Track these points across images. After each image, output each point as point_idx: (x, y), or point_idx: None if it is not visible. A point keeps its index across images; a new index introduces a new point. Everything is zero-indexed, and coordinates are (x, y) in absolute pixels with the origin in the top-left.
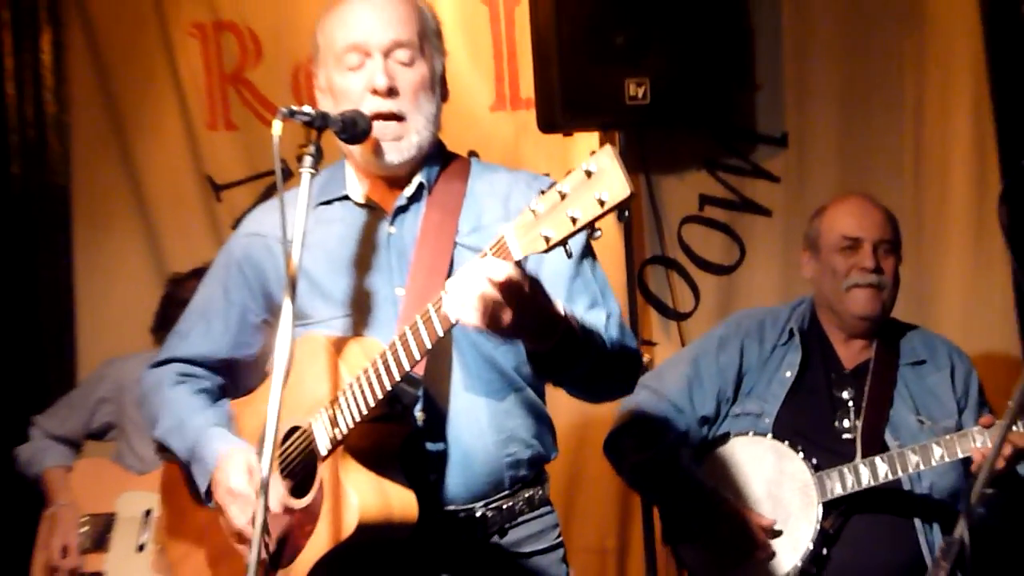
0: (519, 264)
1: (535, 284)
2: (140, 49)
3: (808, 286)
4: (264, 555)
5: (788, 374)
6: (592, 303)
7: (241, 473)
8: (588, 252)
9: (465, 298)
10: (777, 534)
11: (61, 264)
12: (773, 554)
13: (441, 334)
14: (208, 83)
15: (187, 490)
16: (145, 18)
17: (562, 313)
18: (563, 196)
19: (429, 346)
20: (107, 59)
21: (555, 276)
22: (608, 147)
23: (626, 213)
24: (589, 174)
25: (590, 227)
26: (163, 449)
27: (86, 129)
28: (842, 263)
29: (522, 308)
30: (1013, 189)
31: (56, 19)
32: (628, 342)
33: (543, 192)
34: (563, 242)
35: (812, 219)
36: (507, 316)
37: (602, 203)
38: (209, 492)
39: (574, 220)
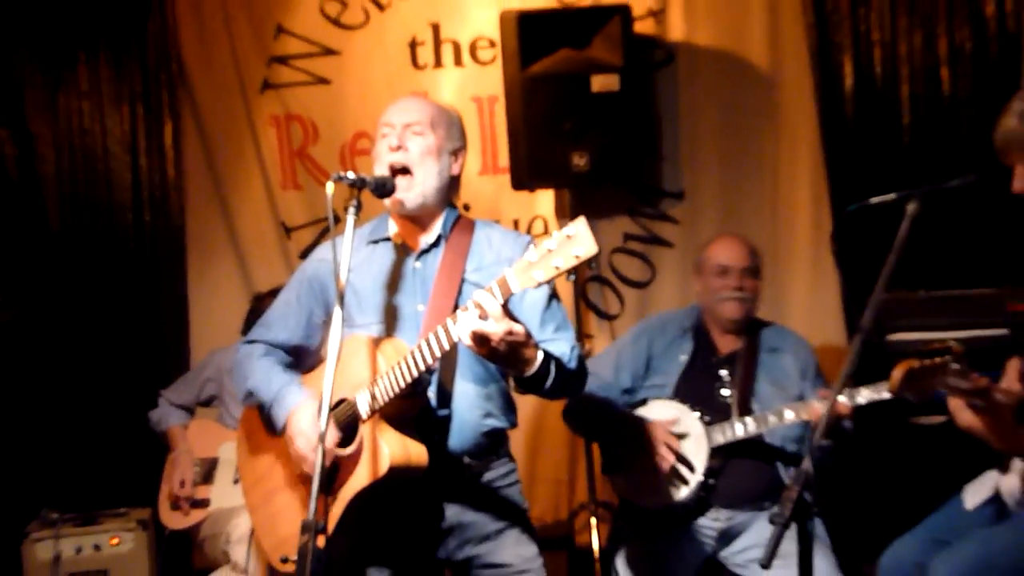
0: (505, 305)
1: (515, 332)
2: (234, 133)
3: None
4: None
5: (683, 358)
6: (556, 328)
7: (308, 417)
8: (554, 293)
9: (464, 329)
10: (682, 436)
11: (178, 284)
12: (678, 478)
13: (448, 348)
14: (281, 157)
15: (260, 434)
16: (237, 112)
17: (538, 357)
18: (550, 251)
19: (442, 352)
20: (210, 140)
21: (533, 307)
22: (582, 218)
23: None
24: (569, 237)
25: (567, 273)
26: (250, 396)
27: (196, 189)
28: (718, 283)
29: (503, 348)
30: (840, 230)
31: (175, 113)
32: (581, 368)
33: (535, 247)
34: (548, 282)
35: (700, 252)
36: (486, 350)
37: (577, 257)
38: (283, 429)
39: (557, 268)
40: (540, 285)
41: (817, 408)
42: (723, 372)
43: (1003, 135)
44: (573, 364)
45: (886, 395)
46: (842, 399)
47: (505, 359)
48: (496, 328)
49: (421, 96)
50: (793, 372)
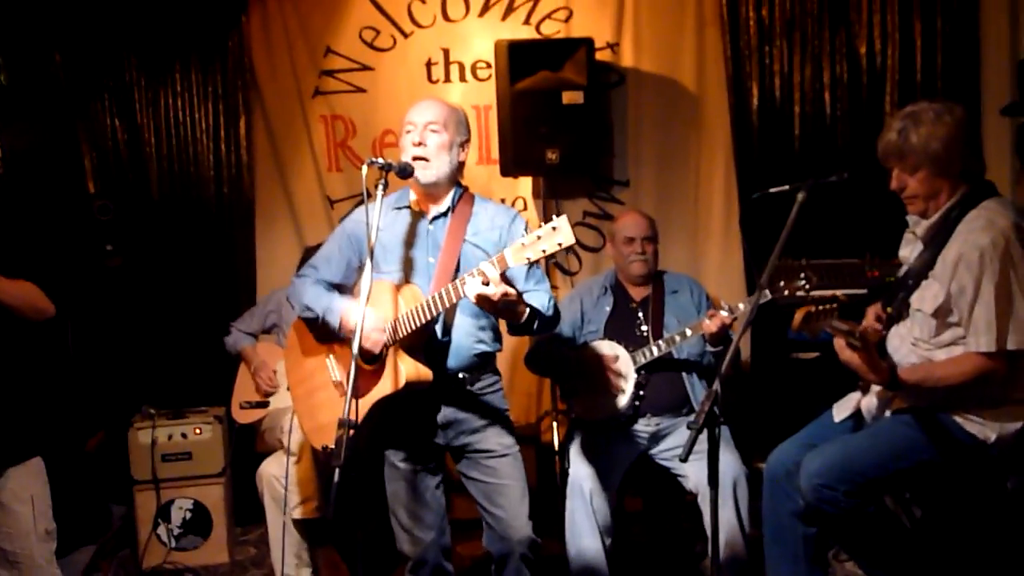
0: (503, 274)
1: (509, 294)
2: (292, 128)
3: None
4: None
5: (607, 308)
6: (536, 282)
7: (357, 311)
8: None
9: (471, 291)
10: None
11: (248, 240)
12: (616, 392)
13: (456, 301)
14: (327, 147)
15: (306, 343)
16: (295, 112)
17: (526, 312)
18: (539, 238)
19: (450, 304)
20: (274, 132)
21: (520, 270)
22: (565, 216)
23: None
24: (554, 229)
25: (551, 256)
26: (307, 310)
27: (262, 169)
28: (626, 249)
29: (500, 304)
30: (745, 213)
31: (248, 110)
32: (555, 313)
33: (528, 234)
34: (536, 262)
35: (612, 225)
36: (487, 305)
37: (559, 245)
38: (339, 326)
39: (543, 251)
40: (529, 264)
41: (707, 324)
42: (639, 314)
43: (884, 146)
44: (550, 312)
45: (742, 306)
46: (723, 313)
47: (501, 313)
48: (495, 291)
49: (436, 100)
50: (690, 305)
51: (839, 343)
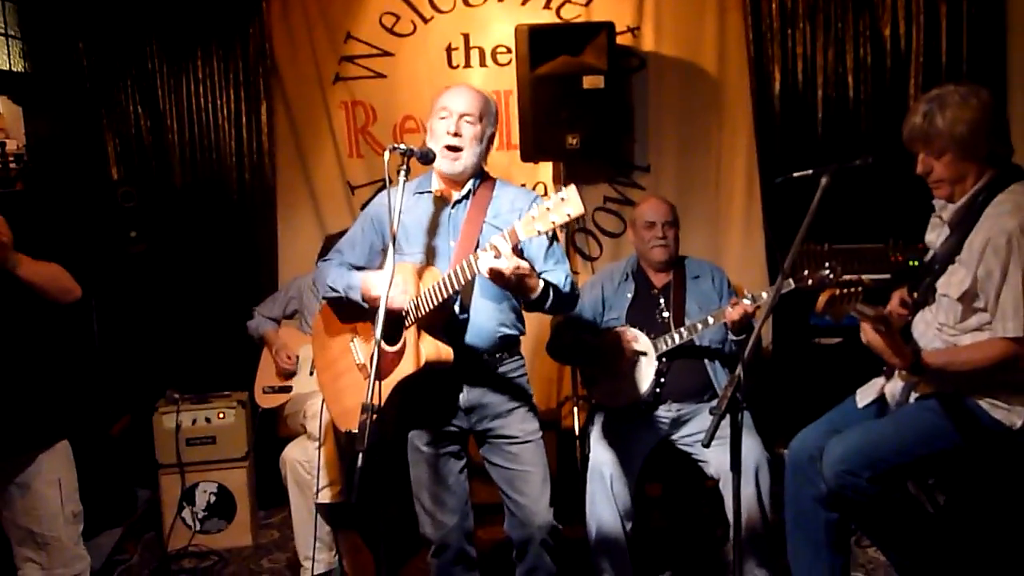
0: (515, 247)
1: (522, 267)
2: (313, 114)
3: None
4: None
5: (629, 295)
6: (556, 262)
7: (377, 278)
8: (555, 237)
9: (483, 265)
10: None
11: (270, 227)
12: (638, 378)
13: (470, 278)
14: (348, 133)
15: (332, 327)
16: (315, 98)
17: (539, 285)
18: (548, 209)
19: (466, 281)
20: (295, 119)
21: (539, 247)
22: (573, 185)
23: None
24: (563, 199)
25: (560, 226)
26: (331, 290)
27: (284, 156)
28: (647, 234)
29: (513, 278)
30: (767, 198)
31: (269, 97)
32: (573, 292)
33: (538, 205)
34: (546, 232)
35: (633, 211)
36: (501, 280)
37: (568, 215)
38: (363, 297)
39: (553, 222)
40: (540, 234)
41: (729, 312)
42: (661, 300)
43: (910, 130)
44: (567, 288)
45: (765, 294)
46: (745, 301)
47: (514, 287)
48: (507, 264)
49: (472, 88)
50: (711, 292)
51: (864, 326)
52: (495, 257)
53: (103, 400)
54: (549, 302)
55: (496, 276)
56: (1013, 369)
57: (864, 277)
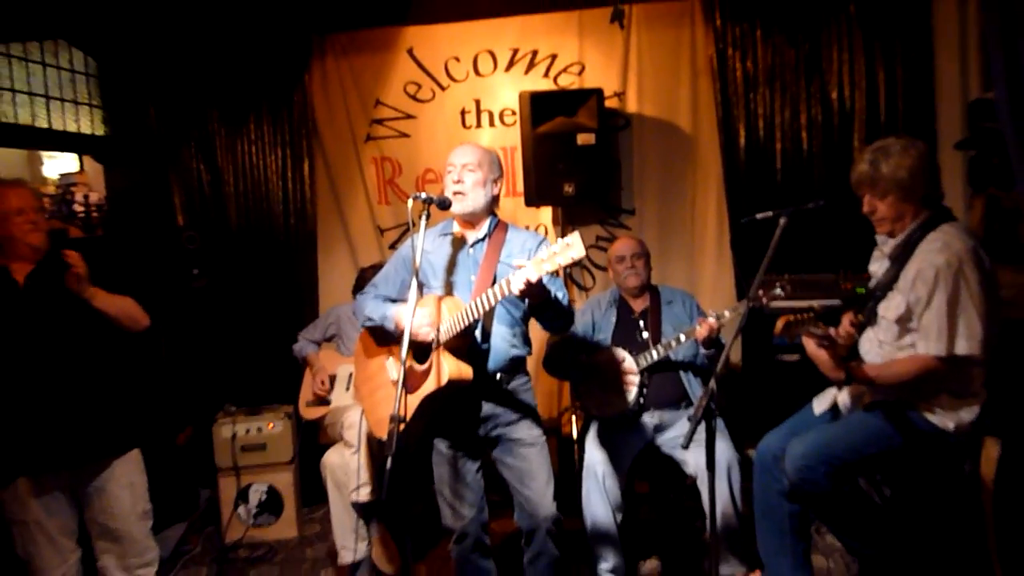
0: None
1: (540, 282)
2: (348, 168)
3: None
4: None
5: (613, 319)
6: (557, 288)
7: (406, 314)
8: (556, 271)
9: (516, 285)
10: (622, 363)
11: (311, 264)
12: (624, 391)
13: (493, 305)
14: (378, 184)
15: (370, 350)
16: (350, 154)
17: (551, 294)
18: (555, 253)
19: (489, 308)
20: (333, 172)
21: (547, 278)
22: (577, 232)
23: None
24: (568, 244)
25: (565, 268)
26: (368, 320)
27: (323, 204)
28: (620, 267)
29: (535, 291)
30: (735, 235)
31: (311, 154)
32: (570, 307)
33: (547, 249)
34: (553, 273)
35: (607, 252)
36: (528, 294)
37: (572, 259)
38: (395, 326)
39: (559, 264)
40: (548, 274)
41: (699, 330)
42: (640, 323)
43: (858, 175)
44: (565, 303)
45: (728, 313)
46: (711, 320)
47: (535, 295)
48: (534, 275)
49: (473, 144)
50: (683, 314)
51: (808, 342)
52: (525, 279)
53: (170, 413)
54: (553, 305)
55: (526, 289)
56: (930, 381)
57: (815, 303)
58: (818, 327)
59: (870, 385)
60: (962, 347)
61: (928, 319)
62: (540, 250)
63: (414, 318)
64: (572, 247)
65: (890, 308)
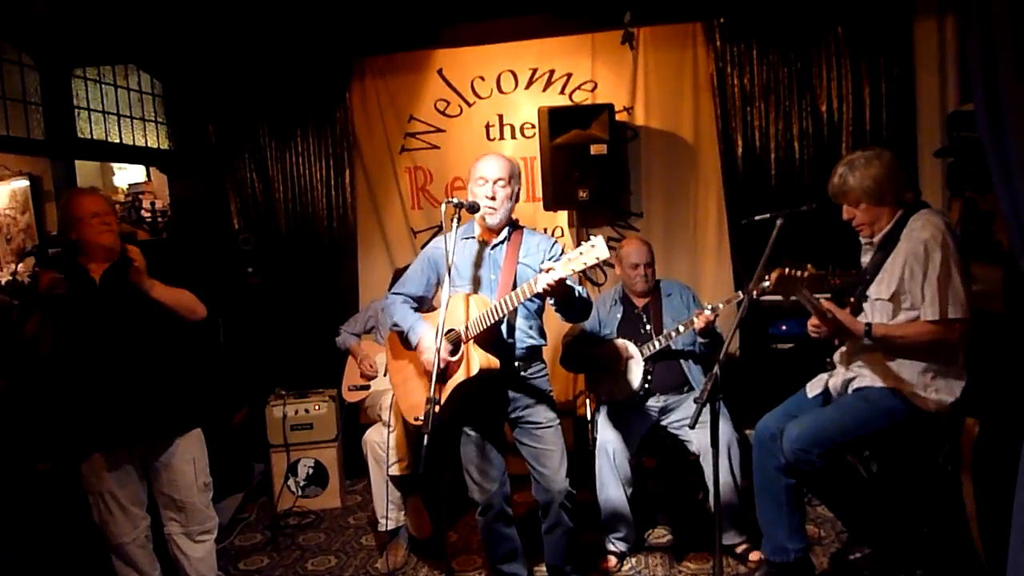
0: (562, 277)
1: (564, 281)
2: (384, 177)
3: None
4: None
5: (618, 315)
6: (574, 284)
7: (429, 339)
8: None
9: (542, 285)
10: (629, 357)
11: (352, 263)
12: (631, 378)
13: (518, 304)
14: (412, 191)
15: (399, 347)
16: (386, 165)
17: (575, 290)
18: (581, 253)
19: (515, 307)
20: (371, 181)
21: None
22: (601, 237)
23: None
24: (592, 246)
25: (589, 268)
26: (395, 326)
27: (363, 209)
28: (632, 272)
29: (560, 289)
30: (734, 236)
31: (351, 165)
32: (588, 298)
33: (574, 250)
34: (578, 273)
35: (619, 249)
36: (552, 291)
37: (597, 259)
38: (415, 346)
39: (585, 264)
40: (575, 273)
41: (696, 321)
42: (643, 316)
43: (831, 189)
44: (585, 295)
45: (722, 304)
46: (707, 312)
47: (559, 294)
48: (560, 274)
49: (501, 156)
50: (681, 306)
51: (812, 323)
52: (550, 281)
53: (227, 396)
54: (577, 300)
55: (551, 288)
56: (940, 347)
57: (810, 266)
58: (813, 296)
59: (882, 343)
60: (953, 311)
61: (926, 290)
62: (554, 249)
63: (426, 339)
64: (596, 248)
65: (881, 289)
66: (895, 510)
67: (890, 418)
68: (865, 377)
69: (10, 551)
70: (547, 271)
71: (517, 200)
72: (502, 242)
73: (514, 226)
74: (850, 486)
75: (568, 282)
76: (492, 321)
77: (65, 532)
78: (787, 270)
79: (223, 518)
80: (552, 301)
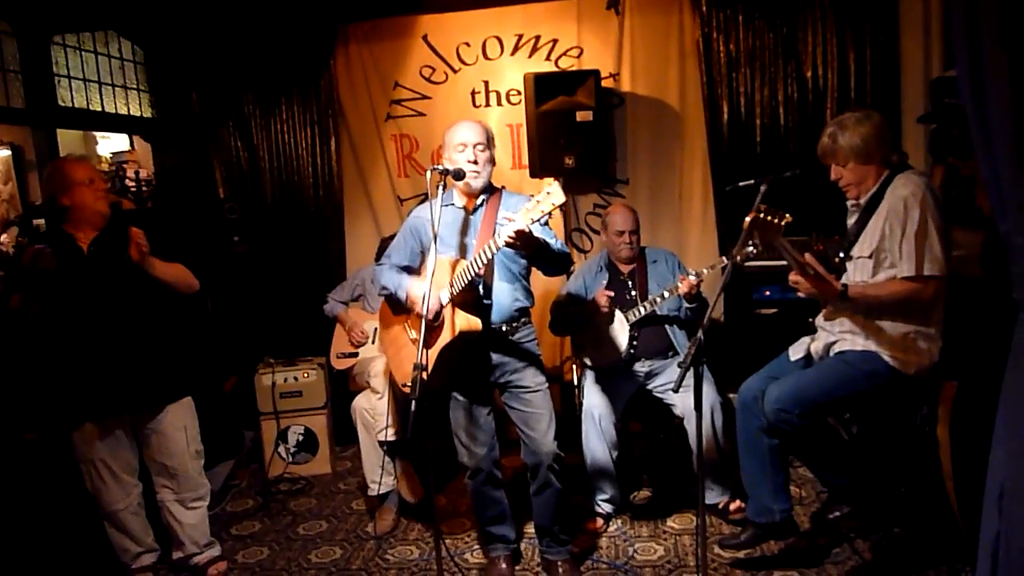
0: (526, 228)
1: (530, 232)
2: (370, 145)
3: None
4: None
5: (603, 281)
6: (549, 237)
7: (418, 287)
8: (546, 222)
9: (506, 235)
10: (612, 320)
11: (339, 231)
12: (617, 343)
13: (489, 259)
14: (397, 158)
15: (389, 316)
16: (372, 132)
17: (540, 240)
18: (538, 201)
19: (486, 261)
20: (357, 149)
21: (534, 227)
22: (556, 182)
23: (561, 210)
24: (548, 193)
25: (548, 215)
26: (384, 289)
27: (348, 177)
28: (617, 240)
29: (525, 241)
30: (719, 201)
31: (337, 133)
32: (564, 250)
33: (531, 199)
34: (539, 219)
35: (605, 215)
36: (520, 244)
37: (554, 204)
38: (405, 300)
39: (543, 211)
40: (534, 222)
41: (680, 287)
42: (628, 283)
43: (821, 148)
44: (558, 246)
45: (706, 270)
46: (691, 277)
47: (525, 245)
48: (519, 226)
49: (477, 122)
50: (666, 272)
51: (793, 276)
52: (512, 231)
53: (217, 364)
54: (550, 252)
55: (513, 240)
56: (917, 304)
57: (787, 215)
58: (792, 247)
59: (858, 303)
60: (929, 268)
61: (905, 247)
62: (528, 202)
63: (413, 289)
64: (553, 195)
65: (863, 247)
66: (874, 470)
67: (869, 380)
68: (846, 341)
69: None
70: (509, 222)
71: (494, 164)
72: (481, 205)
73: (491, 190)
74: (830, 447)
75: (537, 233)
76: (467, 279)
77: (54, 502)
78: (762, 214)
79: (215, 485)
80: (523, 255)
